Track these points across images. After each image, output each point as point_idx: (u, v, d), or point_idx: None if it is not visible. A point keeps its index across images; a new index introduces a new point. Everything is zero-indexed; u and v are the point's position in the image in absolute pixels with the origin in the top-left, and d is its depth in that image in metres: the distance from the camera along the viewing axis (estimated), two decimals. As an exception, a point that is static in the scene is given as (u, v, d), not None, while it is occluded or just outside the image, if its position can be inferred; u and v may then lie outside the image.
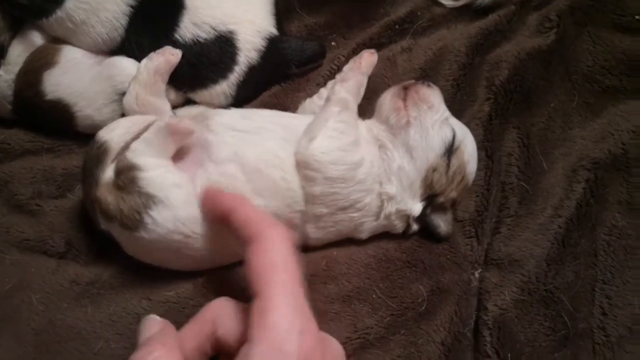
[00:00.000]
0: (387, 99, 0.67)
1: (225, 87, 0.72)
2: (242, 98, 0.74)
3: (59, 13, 0.70)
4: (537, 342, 0.63)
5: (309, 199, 0.61)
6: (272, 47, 0.73)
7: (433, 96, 0.66)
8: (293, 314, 0.44)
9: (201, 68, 0.71)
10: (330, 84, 0.73)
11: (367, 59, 0.74)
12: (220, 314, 0.50)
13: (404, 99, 0.66)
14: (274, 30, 0.74)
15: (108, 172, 0.62)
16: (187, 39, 0.70)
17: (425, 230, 0.67)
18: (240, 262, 0.63)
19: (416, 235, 0.68)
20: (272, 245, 0.47)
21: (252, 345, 0.42)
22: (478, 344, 0.63)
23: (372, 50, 0.75)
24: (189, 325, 0.51)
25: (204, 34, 0.70)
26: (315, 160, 0.60)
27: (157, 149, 0.60)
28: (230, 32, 0.71)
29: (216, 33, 0.71)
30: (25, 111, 0.75)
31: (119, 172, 0.61)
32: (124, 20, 0.70)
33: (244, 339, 0.45)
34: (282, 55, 0.74)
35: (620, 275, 0.67)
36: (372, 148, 0.64)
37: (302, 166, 0.61)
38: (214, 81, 0.72)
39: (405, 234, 0.67)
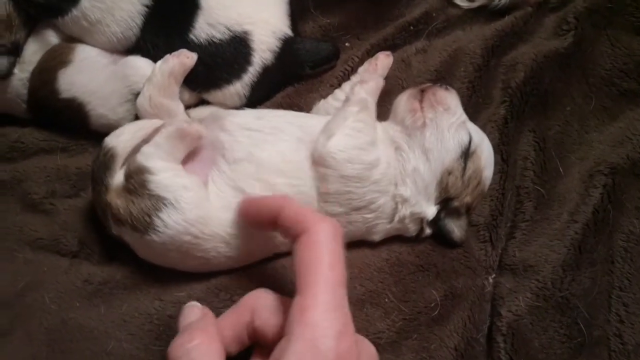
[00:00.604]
0: (404, 100, 0.66)
1: (239, 87, 0.72)
2: (256, 99, 0.74)
3: (75, 12, 0.70)
4: (552, 349, 0.62)
5: (323, 197, 0.61)
6: (287, 48, 0.73)
7: (450, 99, 0.66)
8: (333, 315, 0.44)
9: (215, 68, 0.70)
10: (345, 85, 0.73)
11: (383, 61, 0.73)
12: (259, 304, 0.51)
13: (421, 101, 0.65)
14: (288, 31, 0.73)
15: (117, 178, 0.63)
16: (202, 40, 0.70)
17: (439, 234, 0.66)
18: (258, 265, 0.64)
19: (429, 239, 0.67)
20: (322, 238, 0.47)
21: (290, 341, 0.43)
22: (491, 350, 0.63)
23: (388, 52, 0.74)
24: (228, 313, 0.52)
25: (219, 34, 0.70)
26: (331, 157, 0.60)
27: (168, 153, 0.61)
28: (245, 33, 0.71)
29: (231, 34, 0.70)
30: (39, 110, 0.76)
31: (129, 176, 0.61)
32: (139, 20, 0.70)
33: (280, 332, 0.47)
34: (297, 56, 0.74)
35: (638, 282, 0.67)
36: (389, 149, 0.64)
37: (318, 163, 0.61)
38: (228, 82, 0.71)
39: (418, 238, 0.66)
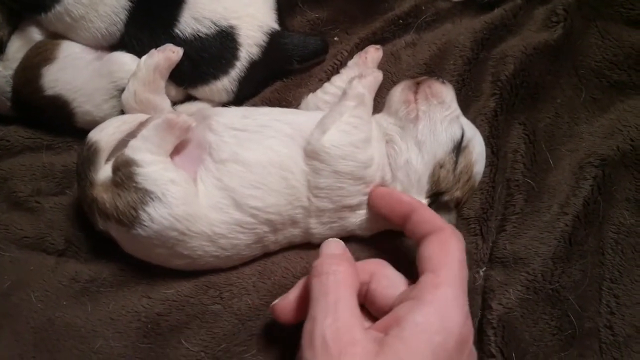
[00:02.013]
0: (398, 92, 0.66)
1: (226, 82, 0.71)
2: (244, 94, 0.73)
3: (58, 8, 0.70)
4: (543, 341, 0.62)
5: (314, 191, 0.61)
6: (274, 42, 0.72)
7: (446, 92, 0.65)
8: (463, 300, 0.48)
9: (202, 64, 0.70)
10: (335, 78, 0.72)
11: (373, 54, 0.73)
12: (379, 271, 0.55)
13: (415, 92, 0.65)
14: (275, 25, 0.73)
15: (102, 172, 0.62)
16: (187, 34, 0.70)
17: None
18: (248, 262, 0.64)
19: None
20: (453, 240, 0.52)
21: (420, 304, 0.47)
22: (482, 343, 0.62)
23: (378, 46, 0.74)
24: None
25: (205, 28, 0.70)
26: (325, 152, 0.60)
27: (155, 145, 0.60)
28: (231, 27, 0.70)
29: (217, 28, 0.70)
30: (24, 108, 0.75)
31: (116, 168, 0.60)
32: (123, 15, 0.70)
33: (391, 302, 0.51)
34: (284, 51, 0.73)
35: (628, 273, 0.67)
36: (381, 145, 0.63)
37: (311, 157, 0.60)
38: (215, 77, 0.71)
39: None
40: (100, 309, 0.63)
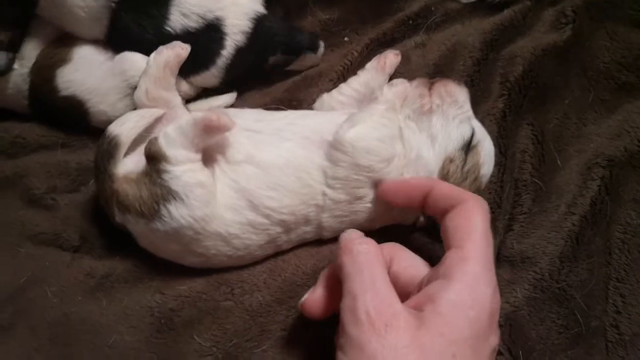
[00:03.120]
0: (413, 86, 0.67)
1: (214, 71, 0.73)
2: (231, 79, 0.75)
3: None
4: (550, 339, 0.63)
5: (330, 182, 0.61)
6: (259, 27, 0.73)
7: (459, 93, 0.66)
8: (490, 274, 0.49)
9: (193, 56, 0.69)
10: (351, 80, 0.72)
11: (392, 60, 0.73)
12: (397, 254, 0.56)
13: (430, 89, 0.66)
14: (260, 9, 0.73)
15: (121, 165, 0.63)
16: (178, 30, 0.70)
17: (433, 228, 0.66)
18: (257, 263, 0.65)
19: (424, 233, 0.67)
20: (475, 211, 0.52)
21: (451, 282, 0.47)
22: (490, 341, 0.63)
23: (397, 52, 0.74)
24: None
25: (193, 23, 0.71)
26: (350, 144, 0.60)
27: (190, 141, 0.59)
28: (217, 19, 0.71)
29: (204, 21, 0.71)
30: (40, 106, 0.76)
31: (148, 157, 0.60)
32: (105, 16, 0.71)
33: (414, 284, 0.52)
34: (269, 35, 0.74)
35: (635, 273, 0.67)
36: (399, 145, 0.64)
37: (334, 147, 0.61)
38: (205, 67, 0.72)
39: (414, 227, 0.66)
40: (115, 304, 0.64)
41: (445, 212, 0.54)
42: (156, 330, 0.62)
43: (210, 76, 0.73)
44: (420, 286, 0.51)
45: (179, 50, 0.67)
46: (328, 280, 0.56)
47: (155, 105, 0.68)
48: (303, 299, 0.56)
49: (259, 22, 0.73)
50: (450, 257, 0.50)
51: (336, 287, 0.53)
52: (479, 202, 0.53)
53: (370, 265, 0.50)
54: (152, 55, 0.67)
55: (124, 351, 0.61)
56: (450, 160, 0.63)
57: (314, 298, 0.56)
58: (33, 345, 0.62)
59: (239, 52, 0.72)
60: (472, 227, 0.51)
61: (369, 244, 0.52)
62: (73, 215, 0.71)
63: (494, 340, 0.48)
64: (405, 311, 0.47)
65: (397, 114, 0.65)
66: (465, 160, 0.63)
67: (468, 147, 0.64)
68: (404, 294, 0.52)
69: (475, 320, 0.46)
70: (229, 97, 0.76)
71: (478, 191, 0.66)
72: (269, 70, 0.78)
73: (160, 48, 0.67)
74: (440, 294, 0.47)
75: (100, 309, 0.64)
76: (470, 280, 0.48)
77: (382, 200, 0.62)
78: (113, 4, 0.70)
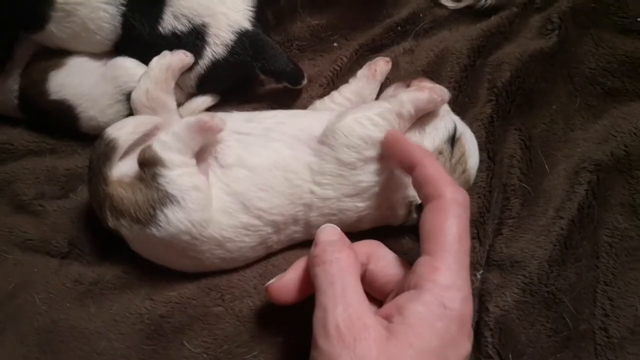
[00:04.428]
0: (392, 88, 0.69)
1: (190, 76, 0.72)
2: (206, 91, 0.73)
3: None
4: (539, 343, 0.63)
5: (317, 178, 0.62)
6: (241, 43, 0.71)
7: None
8: (461, 281, 0.49)
9: None
10: (343, 88, 0.72)
11: (382, 67, 0.74)
12: (375, 252, 0.56)
13: (408, 86, 0.67)
14: (247, 25, 0.71)
15: (116, 169, 0.63)
16: (167, 31, 0.70)
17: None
18: (249, 264, 0.65)
19: (413, 236, 0.67)
20: (450, 211, 0.51)
21: (421, 293, 0.48)
22: (479, 344, 0.63)
23: (387, 59, 0.75)
24: None
25: (181, 26, 0.70)
26: (333, 136, 0.61)
27: (184, 145, 0.60)
28: (203, 26, 0.70)
29: (191, 26, 0.70)
30: (30, 109, 0.76)
31: (142, 163, 0.60)
32: (117, 21, 0.71)
33: (392, 282, 0.54)
34: (250, 51, 0.71)
35: (622, 277, 0.67)
36: None
37: (320, 141, 0.61)
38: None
39: (403, 226, 0.66)
40: (104, 311, 0.64)
41: (424, 200, 0.53)
42: (146, 337, 0.62)
43: (186, 78, 0.71)
44: (392, 291, 0.52)
45: (183, 57, 0.68)
46: (299, 270, 0.56)
47: (153, 106, 0.67)
48: (270, 282, 0.56)
49: (244, 39, 0.71)
50: (421, 264, 0.50)
51: (306, 277, 0.54)
52: (455, 200, 0.51)
53: (342, 276, 0.50)
54: (155, 58, 0.68)
55: (113, 358, 0.61)
56: (439, 152, 0.64)
57: (279, 284, 0.56)
58: (21, 352, 0.62)
59: (216, 65, 0.71)
60: (445, 232, 0.50)
61: (343, 251, 0.51)
62: (61, 221, 0.70)
63: (465, 346, 0.49)
64: (376, 322, 0.47)
65: (404, 121, 0.63)
66: (452, 153, 0.64)
67: (453, 139, 0.65)
68: (380, 292, 0.54)
69: (443, 331, 0.47)
70: (211, 98, 0.74)
71: (467, 184, 0.67)
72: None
73: (164, 52, 0.68)
74: (408, 305, 0.48)
75: (89, 316, 0.63)
76: (440, 291, 0.48)
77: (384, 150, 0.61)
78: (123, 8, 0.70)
